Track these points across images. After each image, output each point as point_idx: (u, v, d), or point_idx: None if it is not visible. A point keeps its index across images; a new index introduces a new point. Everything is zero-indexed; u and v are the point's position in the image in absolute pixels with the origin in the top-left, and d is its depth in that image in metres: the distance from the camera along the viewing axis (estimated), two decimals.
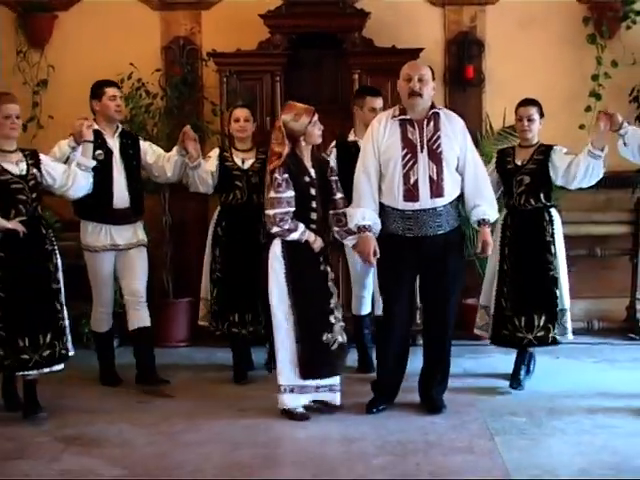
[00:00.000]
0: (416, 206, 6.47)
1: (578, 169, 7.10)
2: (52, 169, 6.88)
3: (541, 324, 7.21)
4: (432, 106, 6.59)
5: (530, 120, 7.28)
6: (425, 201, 6.45)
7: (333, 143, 7.59)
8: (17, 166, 6.68)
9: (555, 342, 7.32)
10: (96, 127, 7.36)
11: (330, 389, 6.69)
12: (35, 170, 6.76)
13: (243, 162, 7.72)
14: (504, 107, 8.76)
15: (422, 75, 6.49)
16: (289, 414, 6.59)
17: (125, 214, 7.45)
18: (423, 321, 7.01)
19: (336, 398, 6.73)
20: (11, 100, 6.79)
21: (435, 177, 6.42)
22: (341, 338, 6.62)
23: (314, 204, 6.58)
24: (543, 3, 9.38)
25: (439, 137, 6.49)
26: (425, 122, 6.51)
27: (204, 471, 5.70)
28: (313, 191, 6.56)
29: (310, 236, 6.51)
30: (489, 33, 9.44)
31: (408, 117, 6.53)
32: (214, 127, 8.87)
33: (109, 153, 7.37)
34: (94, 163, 7.10)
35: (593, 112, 8.99)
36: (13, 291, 6.58)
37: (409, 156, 6.45)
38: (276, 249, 6.54)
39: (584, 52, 9.27)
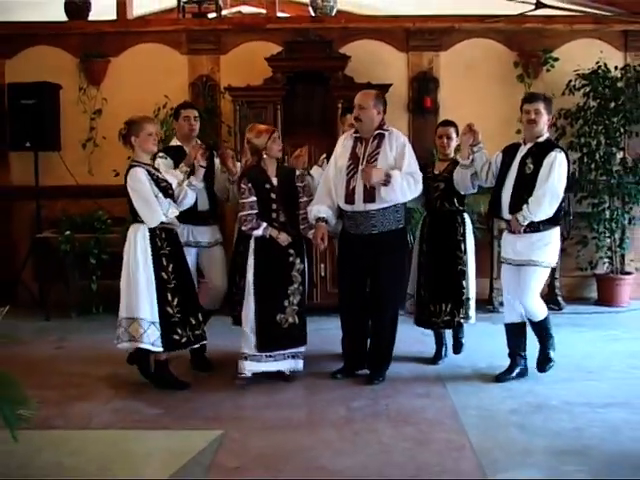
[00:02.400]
0: (353, 208, 6.31)
1: (455, 179, 6.78)
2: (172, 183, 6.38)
3: (448, 310, 6.84)
4: (379, 127, 6.37)
5: (449, 137, 7.03)
6: (359, 204, 6.26)
7: (324, 155, 7.37)
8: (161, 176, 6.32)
9: (460, 325, 6.97)
10: (177, 143, 7.03)
11: (293, 357, 6.44)
12: None
13: None
14: None
15: (361, 103, 6.31)
16: (238, 377, 6.35)
17: (205, 216, 6.95)
18: (369, 307, 6.60)
19: (299, 365, 6.48)
20: (152, 121, 6.54)
21: (369, 185, 6.26)
22: (291, 319, 6.34)
23: (274, 206, 6.31)
24: (483, 50, 9.44)
25: (378, 153, 6.29)
26: (371, 140, 6.35)
27: (222, 410, 5.80)
28: (274, 196, 6.32)
29: (273, 232, 6.26)
30: (442, 73, 9.44)
31: (359, 135, 6.42)
32: (229, 145, 8.87)
33: (192, 165, 6.71)
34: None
35: (522, 134, 9.01)
36: (179, 279, 6.26)
37: (352, 166, 6.31)
38: (252, 245, 6.34)
39: (514, 88, 9.25)
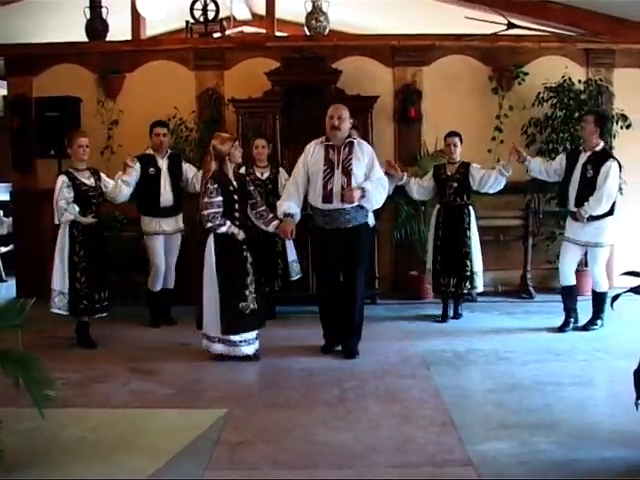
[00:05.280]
0: (331, 207, 6.46)
1: (489, 180, 7.59)
2: (106, 183, 7.28)
3: (454, 283, 7.70)
4: (348, 136, 6.57)
5: (455, 145, 7.72)
6: (336, 204, 6.44)
7: None
8: (89, 180, 7.09)
9: (463, 295, 7.92)
10: (151, 152, 7.72)
11: (247, 343, 6.46)
12: (99, 183, 7.17)
13: (262, 174, 7.91)
14: (436, 137, 8.86)
15: (340, 115, 6.48)
16: (221, 357, 6.46)
17: (169, 210, 7.73)
18: (340, 288, 6.74)
19: (249, 350, 6.47)
20: (84, 135, 7.21)
21: (345, 186, 6.42)
22: (253, 305, 6.41)
23: (237, 206, 6.40)
24: (462, 65, 9.42)
25: (351, 159, 6.48)
26: (342, 147, 6.51)
27: (226, 391, 5.78)
28: (236, 197, 6.40)
29: (234, 229, 6.33)
30: (425, 85, 9.41)
31: (330, 143, 6.55)
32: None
33: (158, 170, 7.67)
34: (132, 180, 7.42)
35: (497, 140, 9.13)
36: (90, 262, 6.98)
37: (328, 171, 6.47)
38: (210, 243, 6.36)
39: (490, 100, 9.29)
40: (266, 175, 7.91)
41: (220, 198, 6.30)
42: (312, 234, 6.81)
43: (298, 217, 6.62)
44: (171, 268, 7.92)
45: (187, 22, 9.85)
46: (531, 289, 9.08)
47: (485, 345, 6.91)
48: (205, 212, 6.30)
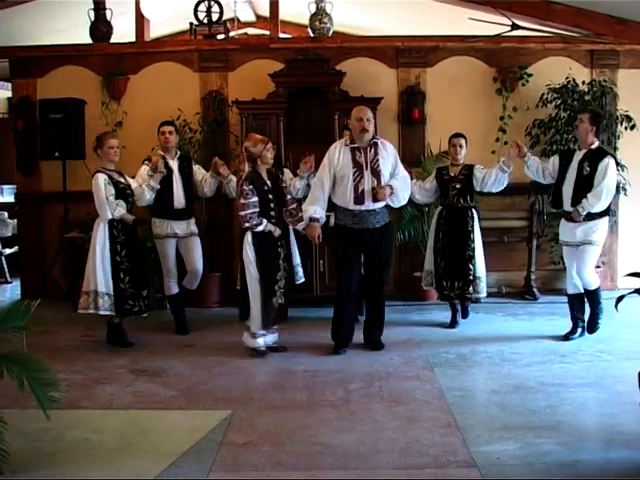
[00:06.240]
0: (362, 208, 6.63)
1: (490, 178, 7.47)
2: (131, 185, 7.20)
3: (458, 286, 7.53)
4: (373, 137, 6.76)
5: (460, 147, 7.62)
6: (368, 204, 6.63)
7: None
8: (121, 179, 7.11)
9: (468, 298, 7.69)
10: (161, 153, 7.62)
11: (274, 332, 6.83)
12: (128, 183, 7.19)
13: None
14: (439, 138, 8.87)
15: (369, 117, 6.69)
16: (257, 352, 6.69)
17: (181, 212, 7.62)
18: (366, 287, 7.02)
19: (279, 337, 6.89)
20: (113, 136, 7.31)
21: (375, 186, 6.61)
22: (280, 300, 6.67)
23: (272, 205, 6.62)
24: (466, 67, 9.41)
25: (378, 159, 6.67)
26: (368, 149, 6.68)
27: (231, 392, 5.79)
28: (270, 196, 6.62)
29: (271, 227, 6.57)
30: (429, 87, 9.40)
31: (357, 145, 6.68)
32: (236, 152, 8.86)
33: (170, 171, 7.55)
34: (159, 187, 7.33)
35: (501, 142, 9.11)
36: (131, 261, 6.99)
37: (358, 173, 6.62)
38: (248, 239, 6.56)
39: (494, 101, 9.28)
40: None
41: (255, 198, 6.52)
42: (337, 235, 6.89)
43: (324, 220, 6.77)
44: (194, 271, 7.71)
45: (191, 24, 9.85)
46: (535, 290, 9.07)
47: (489, 347, 6.91)
48: (242, 213, 6.52)
